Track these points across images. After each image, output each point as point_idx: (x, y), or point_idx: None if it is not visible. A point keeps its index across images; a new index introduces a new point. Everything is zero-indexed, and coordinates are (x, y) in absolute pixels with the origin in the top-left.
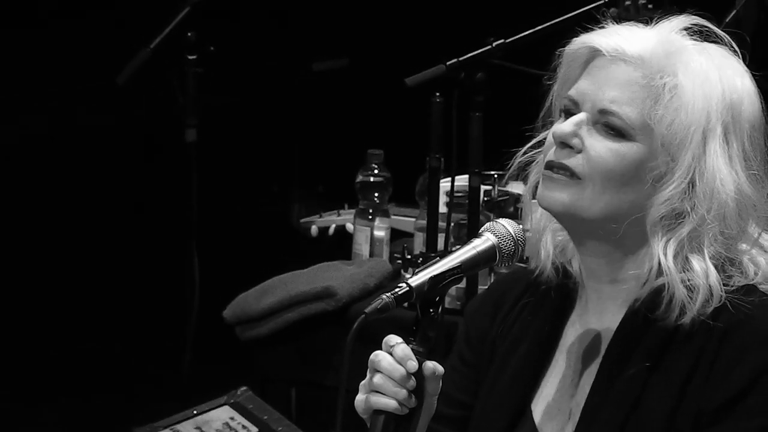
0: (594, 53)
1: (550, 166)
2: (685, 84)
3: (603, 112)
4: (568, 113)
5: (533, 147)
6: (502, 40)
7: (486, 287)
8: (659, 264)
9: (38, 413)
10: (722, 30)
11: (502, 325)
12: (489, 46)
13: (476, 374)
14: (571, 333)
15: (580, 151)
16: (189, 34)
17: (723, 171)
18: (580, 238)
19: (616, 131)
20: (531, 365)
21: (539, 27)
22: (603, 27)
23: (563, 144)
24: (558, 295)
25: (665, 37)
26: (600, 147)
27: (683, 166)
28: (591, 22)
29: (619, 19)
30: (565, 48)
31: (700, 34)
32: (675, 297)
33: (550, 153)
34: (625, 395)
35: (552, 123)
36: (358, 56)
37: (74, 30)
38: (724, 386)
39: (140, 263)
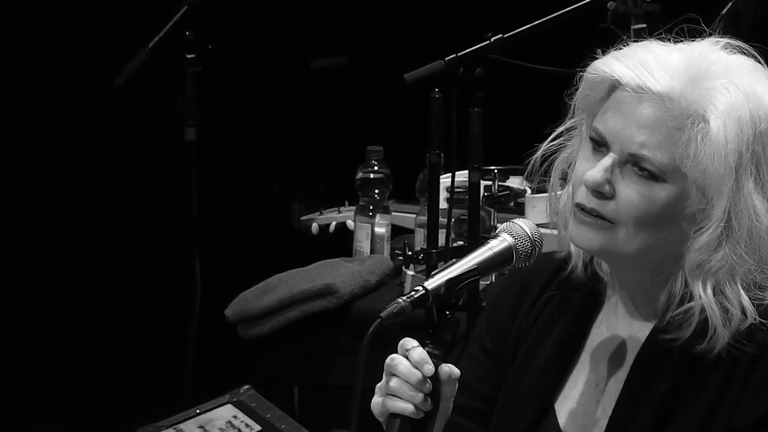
0: (617, 83)
1: (581, 207)
2: (717, 128)
3: (633, 156)
4: (596, 148)
5: (554, 138)
6: (500, 36)
7: (491, 282)
8: (698, 295)
9: (41, 414)
10: (718, 23)
11: (525, 319)
12: (487, 42)
13: (498, 366)
14: (598, 335)
15: (612, 197)
16: (187, 33)
17: (758, 206)
18: (620, 268)
19: (647, 174)
20: (556, 365)
21: (538, 22)
22: (624, 42)
23: (595, 191)
24: (586, 294)
25: (692, 71)
26: (631, 193)
27: (719, 211)
28: (591, 17)
29: (617, 14)
30: (586, 72)
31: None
32: (711, 321)
33: (581, 195)
34: (654, 411)
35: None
36: (357, 53)
37: (72, 31)
38: (753, 407)
39: (141, 263)
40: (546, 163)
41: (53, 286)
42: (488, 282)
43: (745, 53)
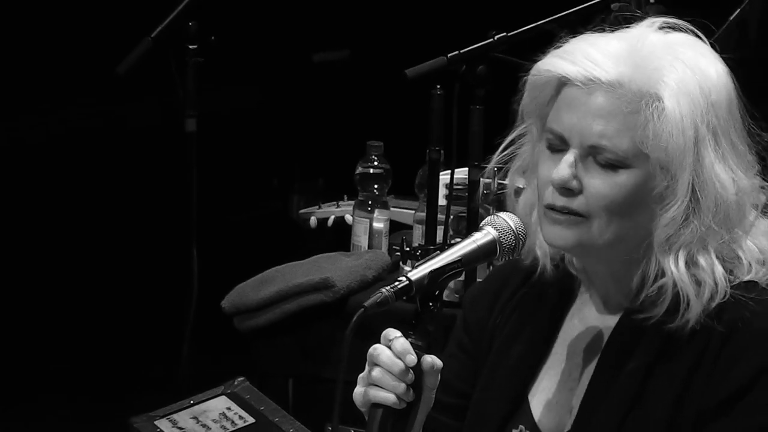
0: (564, 81)
1: (551, 207)
2: (671, 105)
3: (593, 147)
4: (554, 148)
5: (508, 146)
6: (503, 34)
7: (485, 277)
8: (670, 271)
9: (37, 404)
10: (722, 31)
11: (500, 315)
12: (491, 39)
13: (475, 363)
14: (570, 326)
15: (579, 192)
16: (190, 23)
17: (721, 175)
18: (593, 262)
19: (610, 163)
20: (529, 357)
21: (541, 21)
22: (559, 44)
23: (562, 189)
24: (558, 288)
25: (636, 54)
26: (598, 183)
27: (683, 186)
28: (592, 17)
29: (620, 13)
30: (529, 76)
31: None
32: (686, 297)
33: (548, 195)
34: (625, 391)
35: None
36: (359, 48)
37: (74, 20)
38: (724, 384)
39: (139, 254)
40: (501, 173)
41: (50, 278)
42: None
43: (682, 30)
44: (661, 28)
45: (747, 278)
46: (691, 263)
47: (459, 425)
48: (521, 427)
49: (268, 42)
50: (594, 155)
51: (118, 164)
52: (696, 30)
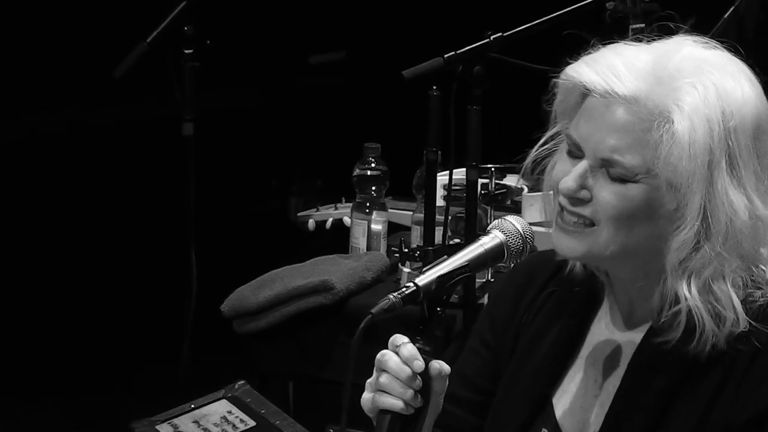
0: (587, 90)
1: (563, 208)
2: (683, 128)
3: (605, 160)
4: (572, 154)
5: (542, 145)
6: (500, 34)
7: (487, 279)
8: (683, 297)
9: (36, 407)
10: (721, 27)
11: (526, 314)
12: (487, 40)
13: (497, 359)
14: (597, 331)
15: (589, 201)
16: (186, 27)
17: (734, 202)
18: (605, 268)
19: (620, 176)
20: (555, 360)
21: (538, 21)
22: (593, 46)
23: (571, 198)
24: (586, 290)
25: (658, 71)
26: (607, 194)
27: (693, 210)
28: (589, 16)
29: (616, 13)
30: (559, 79)
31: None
32: (701, 324)
33: (561, 198)
34: (650, 409)
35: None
36: (356, 49)
37: (70, 24)
38: (753, 402)
39: (138, 257)
40: (538, 169)
41: (49, 280)
42: (484, 280)
43: (716, 48)
44: (693, 44)
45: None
46: (706, 291)
47: (477, 421)
48: (544, 429)
49: (264, 44)
50: (606, 167)
51: (117, 167)
52: (727, 50)
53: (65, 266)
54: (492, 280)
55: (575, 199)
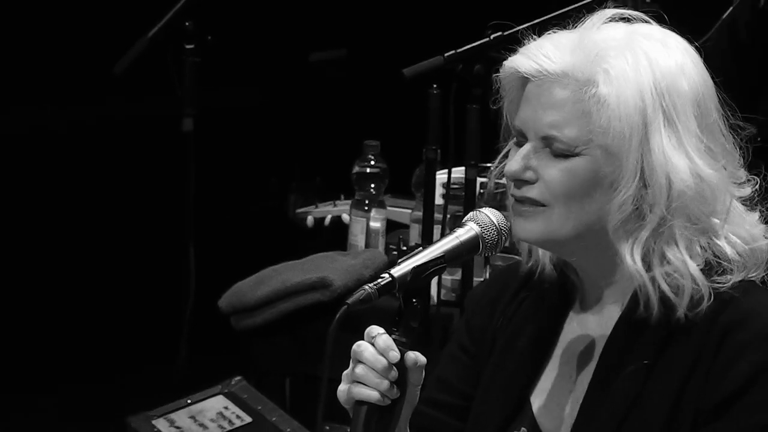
0: (522, 76)
1: (514, 198)
2: (609, 91)
3: (545, 138)
4: (519, 143)
5: (503, 158)
6: (500, 33)
7: (485, 278)
8: (629, 265)
9: (35, 403)
10: (714, 31)
11: (501, 318)
12: (487, 38)
13: (476, 364)
14: (570, 329)
15: (535, 181)
16: (187, 23)
17: (673, 161)
18: (567, 255)
19: (561, 151)
20: (530, 359)
21: (537, 20)
22: (531, 40)
23: (518, 180)
24: (557, 291)
25: (584, 43)
26: (553, 171)
27: (628, 169)
28: (588, 15)
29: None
30: (499, 75)
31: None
32: (650, 296)
33: (510, 187)
34: (623, 392)
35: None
36: (356, 47)
37: (71, 19)
38: (723, 383)
39: (136, 253)
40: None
41: (47, 276)
42: (482, 279)
43: (639, 20)
44: (615, 16)
45: (740, 276)
46: (661, 259)
47: (460, 425)
48: (523, 429)
49: (265, 41)
50: (549, 146)
51: (116, 163)
52: (650, 21)
53: (63, 263)
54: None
55: (521, 181)
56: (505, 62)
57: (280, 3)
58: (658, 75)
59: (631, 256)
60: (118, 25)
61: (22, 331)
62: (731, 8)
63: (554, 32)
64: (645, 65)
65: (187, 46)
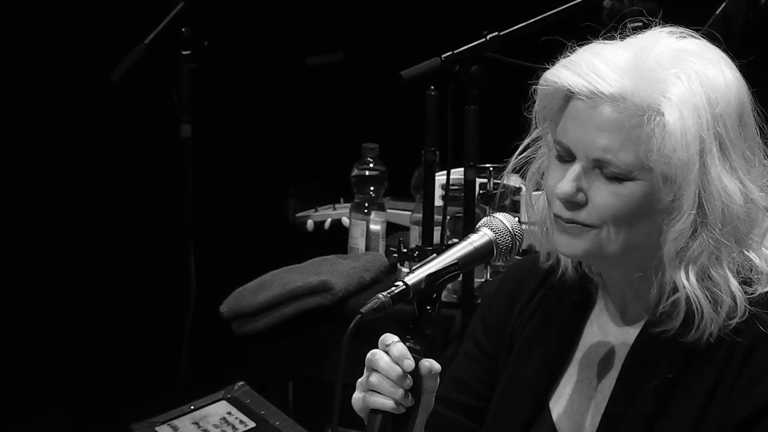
0: (570, 93)
1: (559, 218)
2: (674, 119)
3: (598, 161)
4: (562, 159)
5: (523, 150)
6: (496, 33)
7: (485, 279)
8: (682, 285)
9: (37, 411)
10: (707, 27)
11: (519, 318)
12: (484, 39)
13: (492, 363)
14: (591, 333)
15: (585, 204)
16: (183, 29)
17: (729, 187)
18: (606, 268)
19: (615, 176)
20: (550, 364)
21: (533, 19)
22: (570, 49)
23: (569, 203)
24: (578, 292)
25: (639, 66)
26: (604, 195)
27: (689, 199)
28: (585, 15)
29: (612, 12)
30: (538, 85)
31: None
32: (701, 311)
33: (557, 206)
34: (647, 406)
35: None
36: (353, 50)
37: (69, 25)
38: (749, 399)
39: (136, 259)
40: (520, 172)
41: (47, 281)
42: (483, 279)
43: (692, 37)
44: (669, 35)
45: (766, 289)
46: (703, 277)
47: (474, 425)
48: None
49: (262, 45)
50: (600, 168)
51: (115, 169)
52: (702, 37)
53: (64, 268)
54: (490, 279)
55: (571, 203)
56: (548, 74)
57: (277, 7)
58: (712, 99)
59: (687, 280)
60: (115, 30)
61: (23, 339)
62: (725, 2)
63: (599, 45)
64: (698, 90)
65: (184, 52)
